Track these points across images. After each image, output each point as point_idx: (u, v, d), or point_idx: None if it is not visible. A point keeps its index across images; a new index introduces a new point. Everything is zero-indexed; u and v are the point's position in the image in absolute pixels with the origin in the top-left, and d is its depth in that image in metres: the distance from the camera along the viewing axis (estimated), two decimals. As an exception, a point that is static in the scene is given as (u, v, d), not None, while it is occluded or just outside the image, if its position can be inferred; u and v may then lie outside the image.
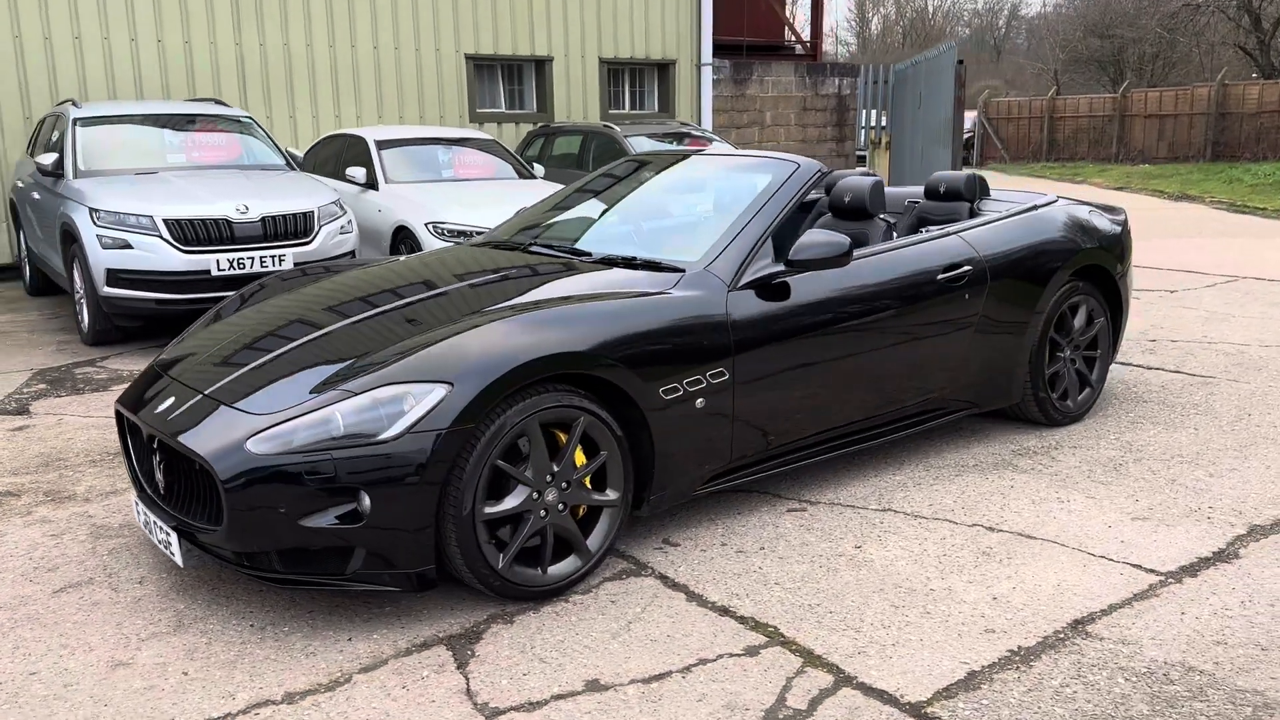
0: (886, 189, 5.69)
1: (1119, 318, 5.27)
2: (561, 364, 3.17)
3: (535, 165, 10.34)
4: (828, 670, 2.86)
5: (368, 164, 9.43)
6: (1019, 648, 2.97)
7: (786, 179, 4.18)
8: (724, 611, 3.21)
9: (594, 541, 3.40)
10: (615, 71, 14.62)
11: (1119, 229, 5.27)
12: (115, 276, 6.93)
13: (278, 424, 3.00)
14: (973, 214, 5.05)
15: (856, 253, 4.25)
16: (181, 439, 3.10)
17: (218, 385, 3.31)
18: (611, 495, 3.41)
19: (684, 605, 3.26)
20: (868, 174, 4.91)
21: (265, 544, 3.00)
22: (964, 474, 4.41)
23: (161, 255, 6.93)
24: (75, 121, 8.19)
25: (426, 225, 8.31)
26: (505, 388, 3.06)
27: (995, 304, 4.57)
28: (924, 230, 4.69)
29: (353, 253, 7.74)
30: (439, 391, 3.00)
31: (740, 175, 4.35)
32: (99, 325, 7.20)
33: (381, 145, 9.61)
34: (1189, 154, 25.57)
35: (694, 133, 11.76)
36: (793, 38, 18.16)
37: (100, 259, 6.94)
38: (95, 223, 7.01)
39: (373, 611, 3.23)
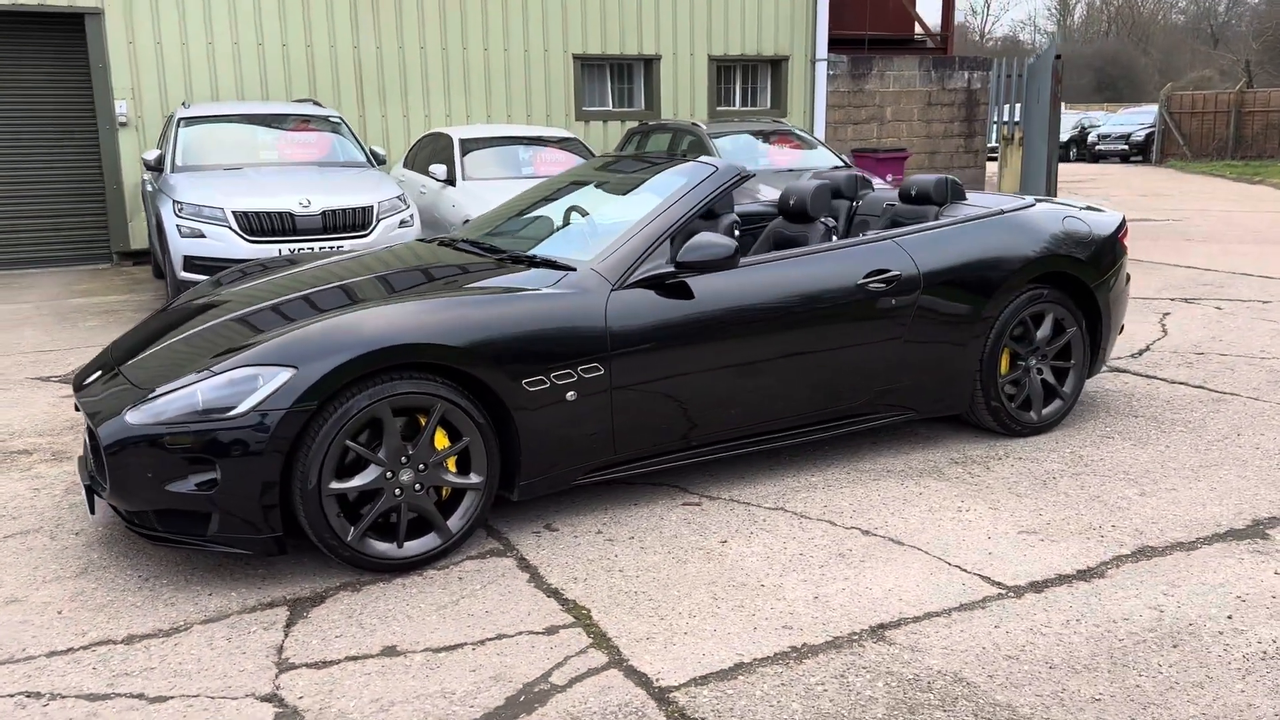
0: (880, 190, 5.69)
1: (1098, 328, 5.08)
2: (407, 354, 3.43)
3: (613, 163, 10.59)
4: (608, 653, 3.02)
5: (449, 161, 9.93)
6: (803, 645, 3.04)
7: (698, 183, 4.29)
8: (553, 594, 3.40)
9: (455, 522, 3.65)
10: (726, 68, 14.72)
11: (1102, 237, 5.08)
12: (190, 262, 7.64)
13: (153, 398, 3.39)
14: (937, 218, 5.00)
15: (774, 256, 4.33)
16: (81, 403, 3.55)
17: (129, 362, 3.75)
18: (474, 479, 3.65)
19: (522, 585, 3.47)
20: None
21: (141, 504, 3.40)
22: (883, 479, 4.41)
23: (229, 244, 7.59)
24: (179, 121, 9.03)
25: (465, 221, 8.70)
26: (347, 374, 3.34)
27: (931, 311, 4.53)
28: (863, 235, 4.69)
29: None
30: (284, 374, 3.32)
31: (666, 178, 4.49)
32: (180, 307, 7.96)
33: (465, 144, 10.10)
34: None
35: (784, 130, 11.75)
36: (922, 31, 17.72)
37: (179, 246, 7.67)
38: (176, 214, 7.75)
39: (244, 571, 3.58)
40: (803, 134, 11.77)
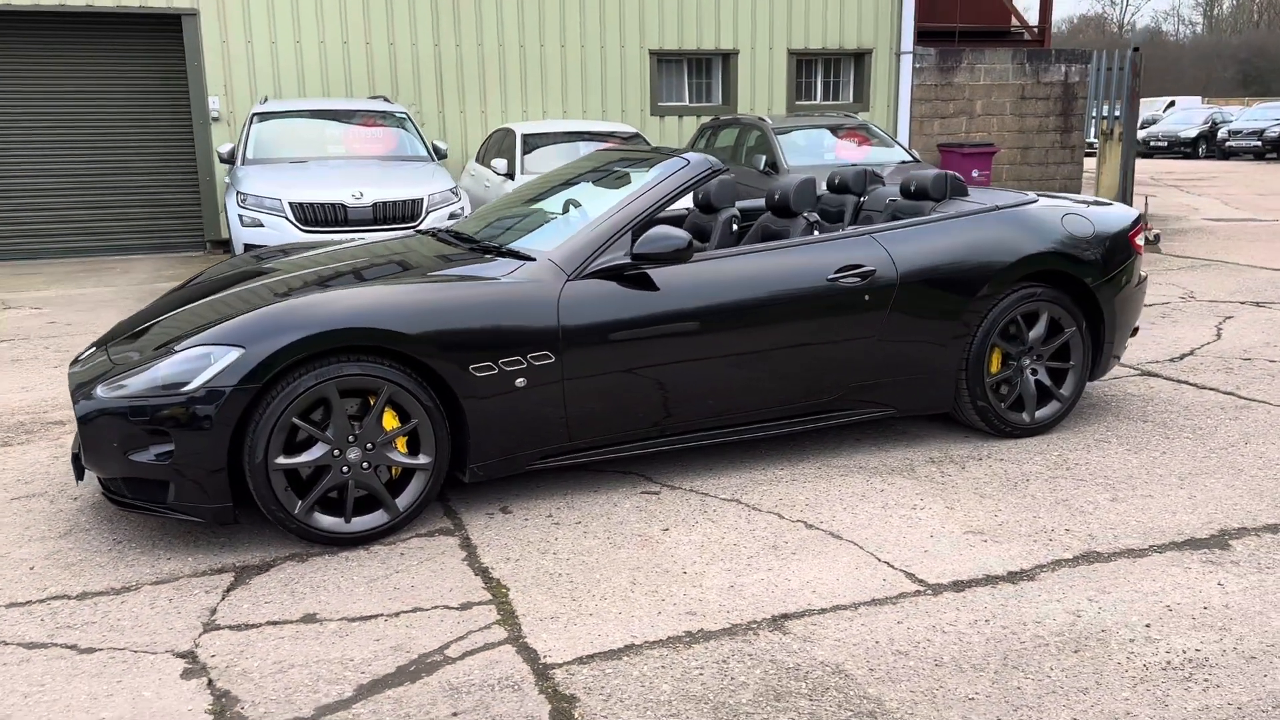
0: (889, 185, 5.63)
1: (1100, 329, 4.93)
2: (348, 337, 3.60)
3: (674, 157, 10.65)
4: (509, 629, 3.13)
5: (510, 155, 10.17)
6: (699, 631, 3.09)
7: (666, 177, 4.35)
8: (481, 572, 3.53)
9: (403, 501, 3.81)
10: (806, 62, 14.59)
11: (1108, 235, 4.93)
12: (250, 250, 8.04)
13: (122, 373, 3.65)
14: (931, 214, 4.93)
15: (741, 249, 4.37)
16: (69, 376, 3.84)
17: (113, 341, 4.02)
18: (422, 460, 3.81)
19: (456, 563, 3.60)
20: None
21: (112, 471, 3.66)
22: (851, 475, 4.40)
23: (285, 233, 7.96)
24: (253, 117, 9.50)
25: (536, 213, 8.90)
26: (290, 354, 3.53)
27: (908, 307, 4.49)
28: (840, 230, 4.67)
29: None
30: (234, 354, 3.53)
31: (638, 172, 4.55)
32: (242, 293, 8.39)
33: (527, 139, 10.33)
34: None
35: (855, 124, 11.61)
36: (1018, 23, 17.19)
37: (239, 234, 8.09)
38: (239, 204, 8.17)
39: (206, 539, 3.82)
40: (875, 128, 11.61)
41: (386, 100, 10.48)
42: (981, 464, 4.51)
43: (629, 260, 4.06)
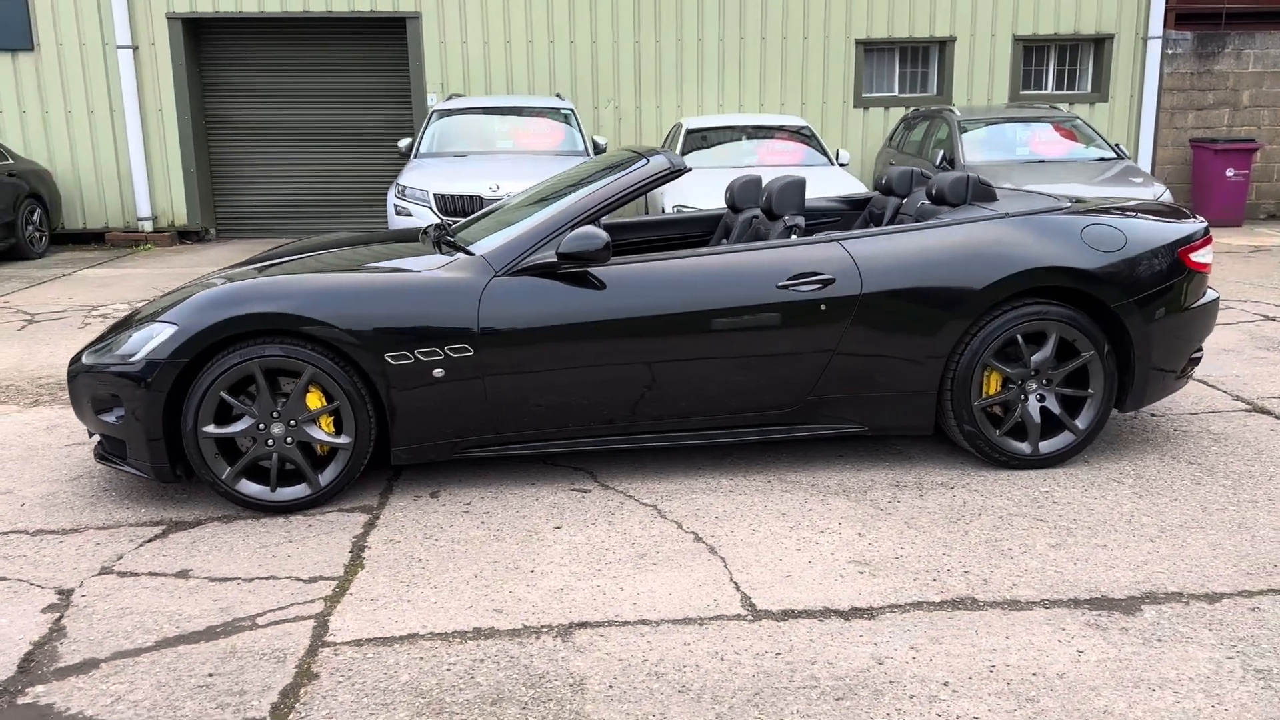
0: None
1: (1130, 355, 4.38)
2: (262, 321, 3.90)
3: (841, 153, 10.34)
4: (327, 605, 3.31)
5: (670, 150, 10.28)
6: (489, 628, 3.13)
7: (618, 176, 4.33)
8: (357, 550, 3.74)
9: (325, 476, 4.09)
10: (1036, 49, 13.56)
11: (1144, 251, 4.36)
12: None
13: (102, 343, 4.18)
14: (940, 219, 4.58)
15: (691, 252, 4.29)
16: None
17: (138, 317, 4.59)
18: (343, 440, 4.07)
19: (345, 539, 3.83)
20: (789, 177, 4.71)
21: (92, 428, 4.20)
22: (793, 492, 4.21)
23: (429, 223, 8.53)
24: (434, 114, 10.20)
25: (674, 207, 8.98)
26: (215, 334, 3.89)
27: (874, 319, 4.21)
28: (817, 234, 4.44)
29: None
30: (169, 330, 3.94)
31: (607, 172, 4.54)
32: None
33: (690, 133, 10.39)
34: None
35: (1058, 116, 10.70)
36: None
37: (393, 223, 8.77)
38: (396, 196, 8.86)
39: (170, 495, 4.28)
40: (1080, 122, 10.66)
41: (559, 97, 10.89)
42: (945, 493, 4.16)
43: (555, 259, 4.11)
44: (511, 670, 2.90)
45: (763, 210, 4.81)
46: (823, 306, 4.19)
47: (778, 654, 2.96)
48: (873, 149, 13.29)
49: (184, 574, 3.57)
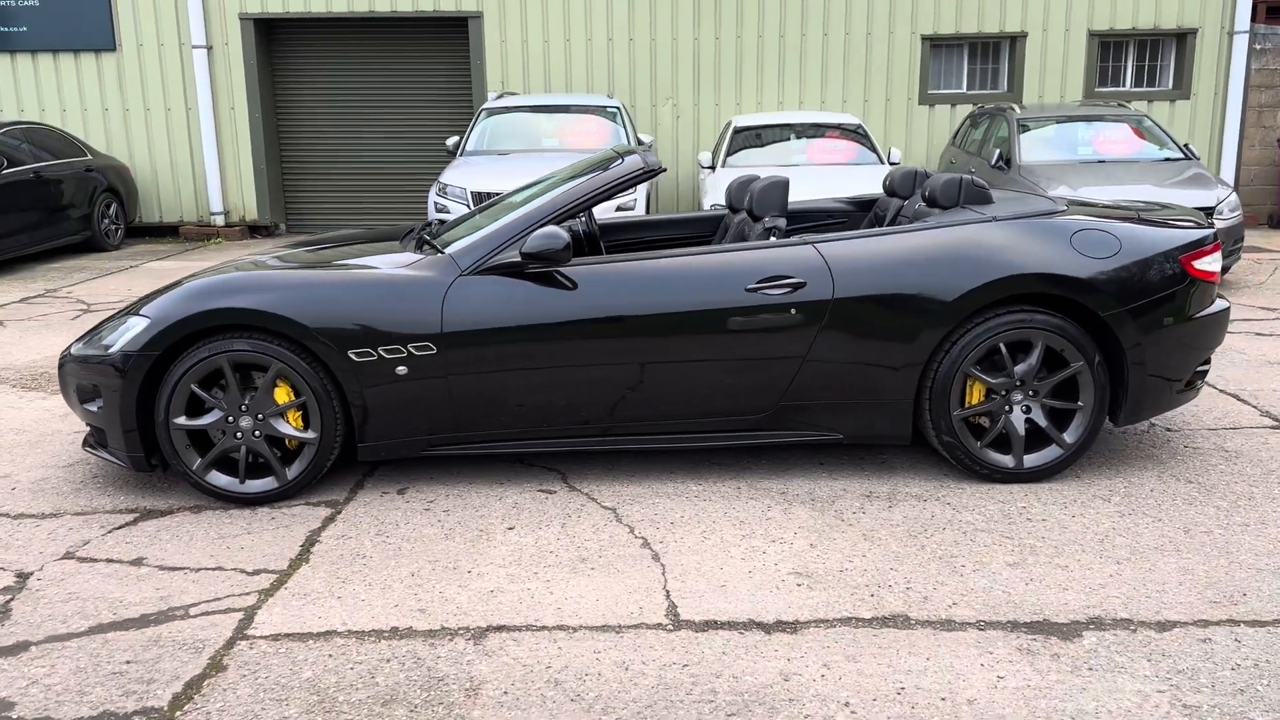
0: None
1: (1123, 367, 4.17)
2: (230, 316, 3.98)
3: (893, 151, 10.10)
4: (259, 598, 3.36)
5: (717, 149, 10.18)
6: (407, 628, 3.14)
7: (590, 177, 4.30)
8: (309, 544, 3.79)
9: (293, 470, 4.15)
10: (1115, 44, 13.05)
11: (1144, 257, 4.15)
12: (436, 235, 8.81)
13: (92, 334, 4.31)
14: (924, 220, 4.43)
15: (660, 254, 4.23)
16: None
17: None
18: (310, 435, 4.12)
19: (300, 533, 3.88)
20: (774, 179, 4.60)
21: (80, 417, 4.35)
22: (758, 499, 4.12)
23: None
24: (483, 112, 10.30)
25: (712, 205, 8.90)
26: (184, 328, 3.98)
27: (846, 325, 4.09)
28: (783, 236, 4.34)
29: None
30: (142, 324, 4.05)
31: (588, 172, 4.50)
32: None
33: (738, 131, 10.28)
34: None
35: (1125, 115, 10.27)
36: None
37: (433, 218, 8.87)
38: (436, 194, 8.97)
39: (146, 483, 4.40)
40: (1149, 121, 10.20)
41: (609, 96, 10.88)
42: (916, 506, 4.02)
43: (519, 258, 4.09)
44: (414, 672, 2.90)
45: (746, 211, 4.72)
46: (792, 310, 4.09)
47: (685, 665, 2.90)
48: (938, 147, 12.96)
49: (139, 561, 3.67)
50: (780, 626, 3.11)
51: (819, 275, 4.10)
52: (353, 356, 4.04)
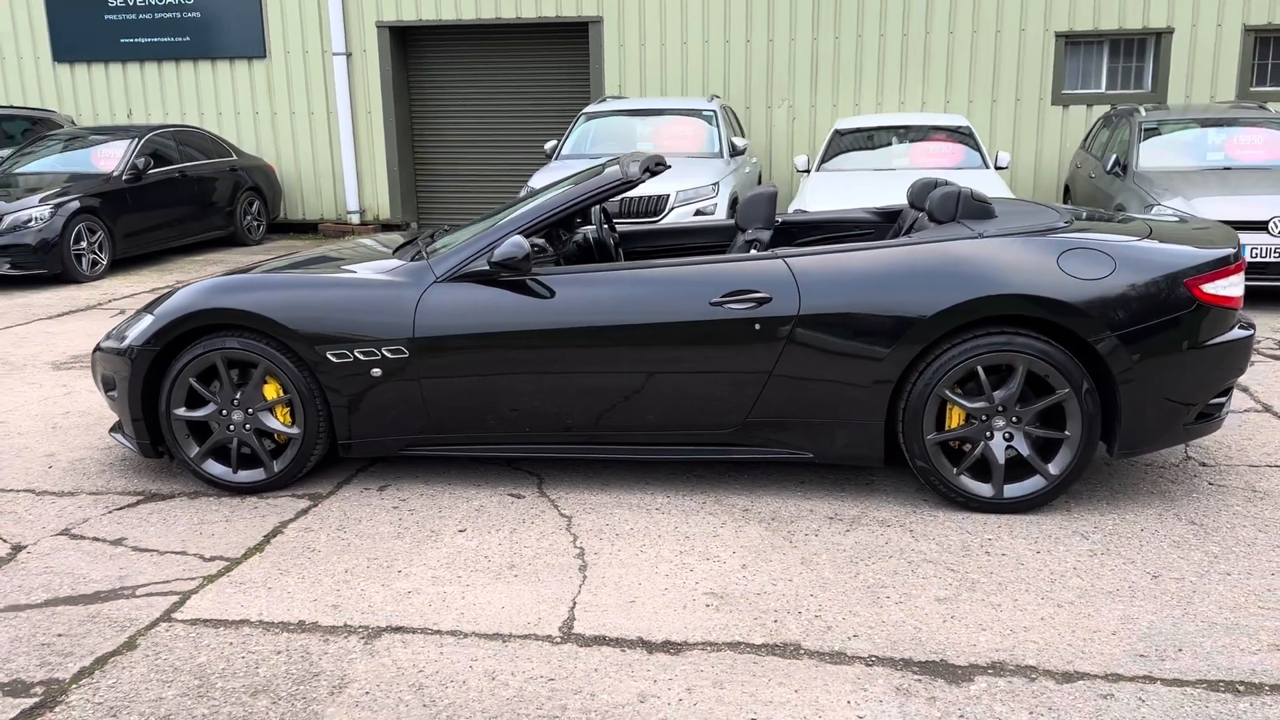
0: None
1: (1115, 395, 3.90)
2: (221, 316, 4.23)
3: (1000, 155, 9.65)
4: (202, 584, 3.58)
5: (812, 151, 9.99)
6: (311, 623, 3.27)
7: (568, 186, 4.34)
8: (270, 535, 3.99)
9: (279, 463, 4.38)
10: (1275, 40, 12.02)
11: (1143, 280, 3.86)
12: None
13: (116, 329, 4.68)
14: (910, 235, 4.26)
15: (629, 264, 4.24)
16: None
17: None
18: (294, 430, 4.34)
19: (270, 524, 4.09)
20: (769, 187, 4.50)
21: (108, 404, 4.72)
22: (715, 514, 4.07)
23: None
24: (582, 115, 10.46)
25: (795, 210, 8.75)
26: (180, 326, 4.25)
27: (812, 341, 3.98)
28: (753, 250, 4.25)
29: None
30: (149, 320, 4.36)
31: (579, 180, 4.53)
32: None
33: (839, 135, 10.05)
34: None
35: (1263, 118, 9.46)
36: None
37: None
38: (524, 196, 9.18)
39: (162, 468, 4.73)
40: (1288, 122, 9.38)
41: (715, 98, 10.84)
42: (875, 531, 3.88)
43: (487, 267, 4.18)
44: (296, 666, 3.03)
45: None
46: (757, 325, 4.01)
47: (550, 680, 2.91)
48: (1070, 149, 12.29)
49: (119, 541, 3.96)
50: (665, 647, 3.08)
51: (785, 290, 4.01)
52: (331, 357, 4.22)
